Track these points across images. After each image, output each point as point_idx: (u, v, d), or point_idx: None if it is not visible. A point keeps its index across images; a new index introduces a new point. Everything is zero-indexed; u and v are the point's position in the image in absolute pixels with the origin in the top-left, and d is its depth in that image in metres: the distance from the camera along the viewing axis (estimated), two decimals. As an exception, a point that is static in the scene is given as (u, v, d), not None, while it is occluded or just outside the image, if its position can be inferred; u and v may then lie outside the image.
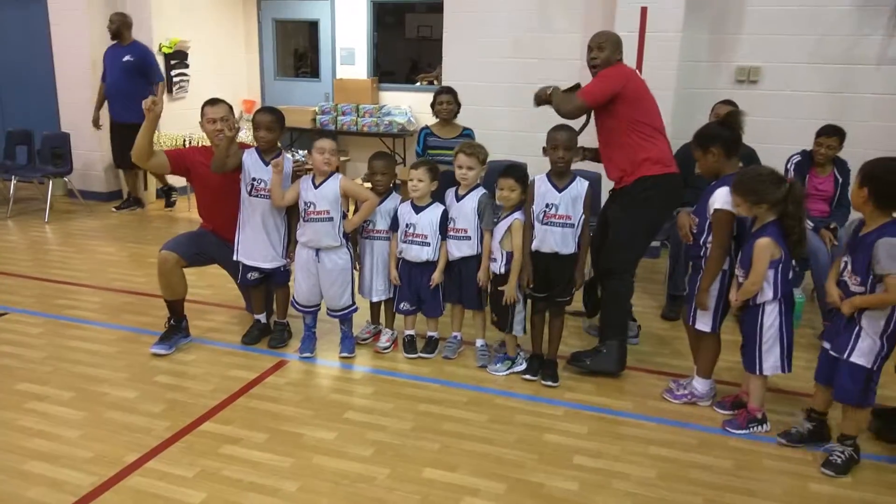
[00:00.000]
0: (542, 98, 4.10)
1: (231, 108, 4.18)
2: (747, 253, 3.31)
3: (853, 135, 5.15)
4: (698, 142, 3.60)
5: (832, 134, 4.90)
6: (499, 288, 3.91)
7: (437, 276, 4.08)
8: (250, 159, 4.11)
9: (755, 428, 3.44)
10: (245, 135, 7.67)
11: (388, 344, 4.30)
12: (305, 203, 3.97)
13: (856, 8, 6.06)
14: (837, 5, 6.12)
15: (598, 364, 3.98)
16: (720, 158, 3.51)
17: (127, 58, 7.33)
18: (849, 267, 3.13)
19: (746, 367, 3.47)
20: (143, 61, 7.37)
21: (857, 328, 3.08)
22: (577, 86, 4.10)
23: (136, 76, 7.34)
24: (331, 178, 4.00)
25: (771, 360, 3.37)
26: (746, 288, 3.31)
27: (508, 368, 4.03)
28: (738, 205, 3.30)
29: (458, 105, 5.10)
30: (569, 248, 3.78)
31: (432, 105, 5.11)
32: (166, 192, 8.11)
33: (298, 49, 10.35)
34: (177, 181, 8.31)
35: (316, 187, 3.98)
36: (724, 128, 3.57)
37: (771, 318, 3.33)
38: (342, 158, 8.21)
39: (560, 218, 3.75)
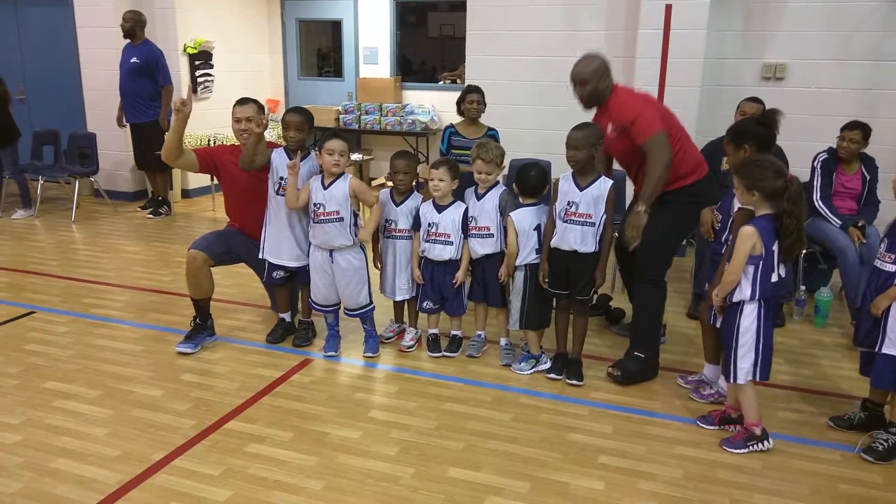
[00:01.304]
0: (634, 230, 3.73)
1: (261, 106, 4.18)
2: (734, 243, 3.18)
3: (881, 132, 5.08)
4: (733, 137, 3.55)
5: (854, 127, 4.83)
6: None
7: (460, 275, 4.07)
8: (279, 158, 4.12)
9: (755, 446, 3.23)
10: (270, 134, 7.73)
11: (412, 343, 4.31)
12: (315, 205, 3.95)
13: (884, 3, 5.96)
14: (866, 1, 6.02)
15: (642, 375, 3.93)
16: (752, 156, 3.43)
17: (133, 59, 7.21)
18: (883, 248, 3.19)
19: (723, 374, 3.34)
20: (147, 63, 7.20)
21: (883, 320, 3.13)
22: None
23: (140, 78, 7.24)
24: (340, 179, 3.97)
25: (745, 366, 3.18)
26: (725, 279, 3.18)
27: (533, 367, 4.02)
28: (737, 187, 3.21)
29: (485, 105, 5.09)
30: (588, 246, 3.73)
31: (459, 103, 5.08)
32: (158, 202, 7.80)
33: (322, 48, 10.38)
34: (200, 180, 8.39)
35: (325, 188, 3.96)
36: (760, 125, 3.52)
37: (748, 319, 3.16)
38: (365, 157, 8.20)
39: (580, 216, 3.71)
